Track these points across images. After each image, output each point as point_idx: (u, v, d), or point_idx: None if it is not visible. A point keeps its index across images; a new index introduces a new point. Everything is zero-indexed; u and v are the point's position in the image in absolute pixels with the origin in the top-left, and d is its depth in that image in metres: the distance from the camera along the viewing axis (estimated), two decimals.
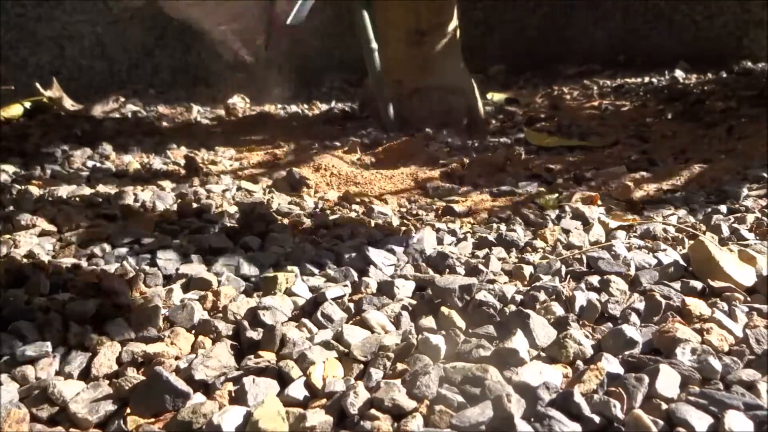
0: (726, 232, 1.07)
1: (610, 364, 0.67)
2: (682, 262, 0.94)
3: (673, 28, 3.44)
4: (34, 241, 1.15)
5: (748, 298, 0.84)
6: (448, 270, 0.99)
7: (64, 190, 1.48)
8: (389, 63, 2.08)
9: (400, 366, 0.69)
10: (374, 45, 2.04)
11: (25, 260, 1.05)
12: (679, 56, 3.30)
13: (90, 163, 1.77)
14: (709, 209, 1.21)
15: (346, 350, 0.74)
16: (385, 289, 0.91)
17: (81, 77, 2.89)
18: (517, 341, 0.72)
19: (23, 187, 1.49)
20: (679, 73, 3.02)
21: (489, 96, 2.74)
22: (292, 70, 3.10)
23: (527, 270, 0.97)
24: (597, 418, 0.58)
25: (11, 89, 2.65)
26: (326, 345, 0.75)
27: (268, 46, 2.36)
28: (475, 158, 1.77)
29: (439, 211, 1.36)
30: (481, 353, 0.71)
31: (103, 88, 2.89)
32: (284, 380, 0.69)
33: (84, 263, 1.04)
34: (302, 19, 1.80)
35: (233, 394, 0.67)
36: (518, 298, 0.85)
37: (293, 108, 2.66)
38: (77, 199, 1.41)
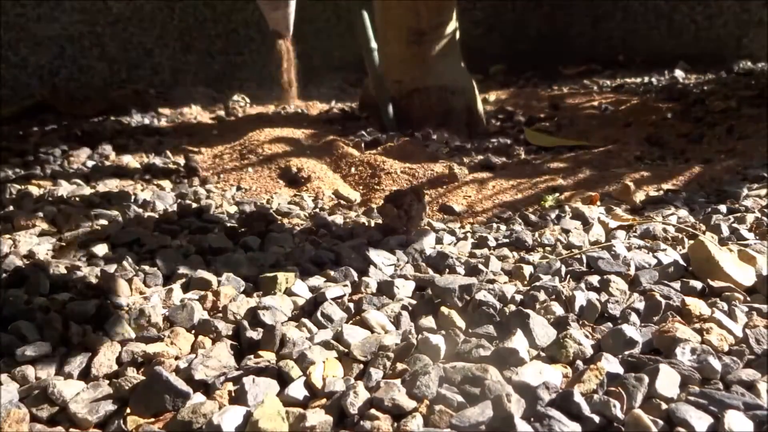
0: (726, 232, 1.07)
1: (610, 363, 0.67)
2: (682, 262, 0.94)
3: (673, 28, 3.43)
4: (34, 241, 1.15)
5: (748, 298, 0.84)
6: (448, 270, 0.99)
7: (64, 190, 1.48)
8: (389, 63, 2.08)
9: (400, 366, 0.69)
10: (374, 45, 2.04)
11: (25, 260, 1.05)
12: (679, 56, 3.30)
13: (90, 163, 1.77)
14: (709, 209, 1.21)
15: (346, 350, 0.74)
16: (385, 289, 0.91)
17: (81, 77, 2.89)
18: (517, 341, 0.72)
19: (23, 187, 1.50)
20: (679, 73, 3.02)
21: (491, 98, 2.74)
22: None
23: (527, 270, 0.97)
24: (597, 418, 0.58)
25: (11, 89, 2.65)
26: (326, 345, 0.75)
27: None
28: (475, 159, 1.76)
29: (438, 211, 1.36)
30: (481, 353, 0.71)
31: (103, 88, 2.89)
32: (284, 380, 0.69)
33: (84, 263, 1.04)
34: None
35: (233, 394, 0.67)
36: (518, 298, 0.86)
37: (292, 108, 2.66)
38: (77, 199, 1.41)
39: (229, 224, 1.23)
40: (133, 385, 0.67)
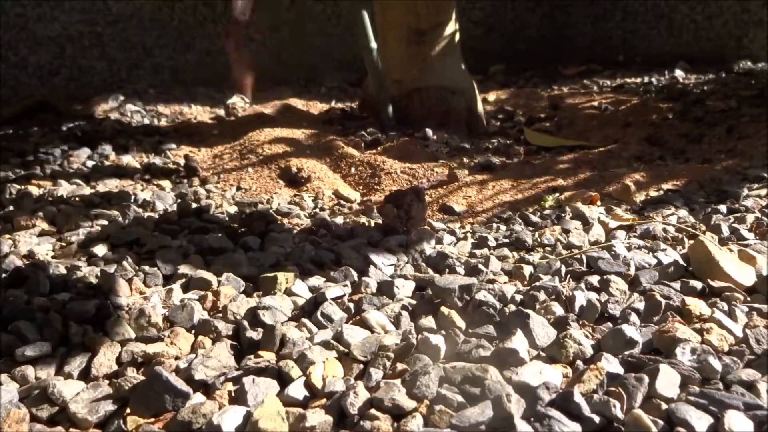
0: (726, 232, 1.07)
1: (610, 364, 0.67)
2: (682, 262, 0.94)
3: (673, 28, 3.43)
4: (34, 241, 1.15)
5: (748, 298, 0.84)
6: (447, 270, 0.99)
7: (64, 190, 1.48)
8: (389, 63, 2.08)
9: (400, 366, 0.69)
10: (374, 45, 2.04)
11: (25, 260, 1.05)
12: (679, 56, 3.30)
13: (90, 163, 1.78)
14: (709, 209, 1.21)
15: (346, 350, 0.74)
16: (385, 289, 0.91)
17: (81, 77, 2.89)
18: (517, 341, 0.72)
19: (23, 187, 1.50)
20: (679, 73, 3.02)
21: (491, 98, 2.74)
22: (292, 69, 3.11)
23: (527, 270, 0.97)
24: (597, 418, 0.58)
25: (11, 89, 2.65)
26: (326, 345, 0.75)
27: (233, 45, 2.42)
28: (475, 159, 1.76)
29: (438, 211, 1.36)
30: (481, 353, 0.71)
31: (103, 88, 2.89)
32: (284, 380, 0.69)
33: (84, 263, 1.04)
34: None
35: (233, 394, 0.67)
36: (518, 298, 0.86)
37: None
38: (77, 199, 1.41)
39: (229, 224, 1.23)
40: (133, 385, 0.67)
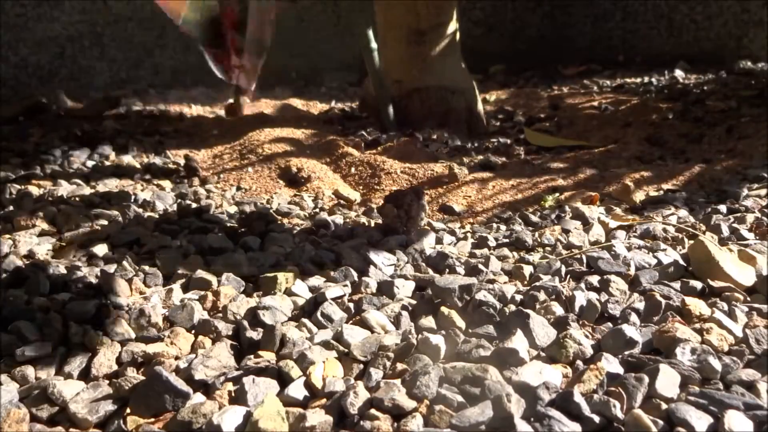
0: (726, 232, 1.07)
1: (610, 364, 0.67)
2: (681, 262, 0.94)
3: (673, 28, 3.44)
4: (34, 241, 1.15)
5: (748, 298, 0.84)
6: (447, 270, 0.99)
7: (64, 190, 1.48)
8: (389, 63, 2.08)
9: (400, 366, 0.69)
10: (374, 45, 2.04)
11: (25, 260, 1.05)
12: (679, 56, 3.31)
13: (90, 163, 1.78)
14: (709, 209, 1.21)
15: (346, 350, 0.74)
16: (385, 289, 0.91)
17: (81, 77, 2.89)
18: (517, 341, 0.72)
19: (23, 187, 1.50)
20: (679, 73, 3.02)
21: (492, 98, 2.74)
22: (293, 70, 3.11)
23: (527, 270, 0.97)
24: (597, 418, 0.58)
25: (11, 89, 2.65)
26: (326, 345, 0.75)
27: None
28: (476, 158, 1.76)
29: (438, 211, 1.36)
30: (481, 353, 0.71)
31: (103, 88, 2.89)
32: (284, 380, 0.69)
33: (84, 263, 1.04)
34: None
35: (233, 394, 0.67)
36: (518, 297, 0.86)
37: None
38: (77, 199, 1.41)
39: (229, 224, 1.23)
40: (133, 385, 0.67)
